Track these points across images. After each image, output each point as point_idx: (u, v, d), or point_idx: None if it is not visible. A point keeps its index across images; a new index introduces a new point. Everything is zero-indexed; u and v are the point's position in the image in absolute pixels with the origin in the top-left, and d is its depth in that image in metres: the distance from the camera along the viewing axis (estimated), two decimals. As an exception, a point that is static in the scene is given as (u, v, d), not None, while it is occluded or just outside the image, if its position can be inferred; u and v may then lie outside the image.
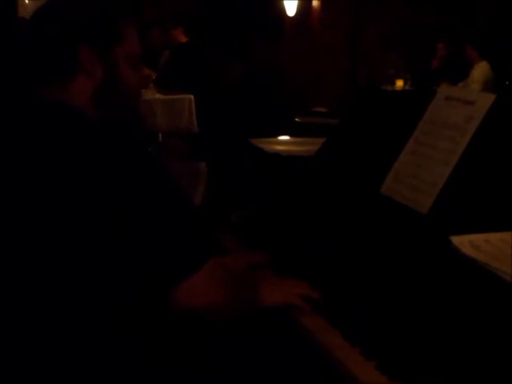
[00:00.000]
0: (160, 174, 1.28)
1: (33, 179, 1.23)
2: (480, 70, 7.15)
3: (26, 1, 6.33)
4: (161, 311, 1.32)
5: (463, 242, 1.27)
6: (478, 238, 1.29)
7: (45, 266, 1.22)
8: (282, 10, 8.94)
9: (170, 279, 1.26)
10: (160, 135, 5.29)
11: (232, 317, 1.42)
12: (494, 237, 1.30)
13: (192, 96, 5.64)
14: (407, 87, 7.53)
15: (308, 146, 2.25)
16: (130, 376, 1.32)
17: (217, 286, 1.33)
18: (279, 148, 2.41)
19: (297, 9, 8.94)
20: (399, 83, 7.67)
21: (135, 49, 1.40)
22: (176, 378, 1.46)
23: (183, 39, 6.46)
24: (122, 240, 1.22)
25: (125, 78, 1.39)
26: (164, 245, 1.25)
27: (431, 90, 1.71)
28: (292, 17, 9.00)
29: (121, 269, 1.24)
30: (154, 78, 5.70)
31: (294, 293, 1.49)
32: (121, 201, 1.22)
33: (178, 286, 1.26)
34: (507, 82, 7.09)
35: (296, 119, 6.50)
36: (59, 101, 1.31)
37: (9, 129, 1.31)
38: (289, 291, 1.50)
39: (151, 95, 5.47)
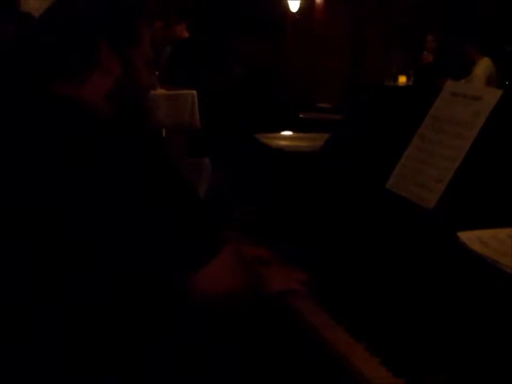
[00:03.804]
0: (171, 167, 1.29)
1: (41, 174, 1.23)
2: (483, 67, 7.14)
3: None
4: (171, 305, 1.32)
5: (470, 238, 1.27)
6: (485, 233, 1.29)
7: (56, 262, 1.22)
8: (285, 7, 8.94)
9: (189, 266, 1.26)
10: (163, 130, 5.29)
11: (245, 303, 1.43)
12: (501, 232, 1.29)
13: (195, 92, 5.63)
14: (410, 83, 7.53)
15: (312, 141, 2.25)
16: (131, 375, 1.32)
17: (234, 271, 1.33)
18: (283, 143, 2.41)
19: (300, 6, 8.93)
20: (402, 79, 7.68)
21: (149, 51, 1.41)
22: (176, 377, 1.47)
23: (186, 34, 6.46)
24: (138, 232, 1.23)
25: (141, 78, 1.40)
26: (181, 234, 1.25)
27: (437, 86, 1.71)
28: (295, 14, 9.00)
29: (137, 262, 1.24)
30: (157, 73, 5.69)
31: (294, 278, 1.57)
32: (135, 196, 1.22)
33: (196, 273, 1.26)
34: (507, 82, 7.09)
35: (300, 115, 6.50)
36: (73, 97, 1.31)
37: (20, 124, 1.30)
38: (290, 276, 1.57)
39: (154, 90, 5.47)
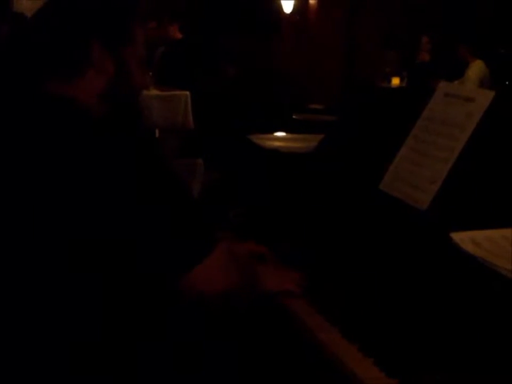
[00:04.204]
0: (164, 167, 1.29)
1: (35, 175, 1.22)
2: (476, 69, 7.17)
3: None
4: (166, 305, 1.32)
5: (463, 239, 1.27)
6: (478, 234, 1.29)
7: (54, 260, 1.22)
8: (279, 8, 8.94)
9: (182, 265, 1.26)
10: (157, 131, 5.28)
11: (239, 302, 1.44)
12: (494, 233, 1.29)
13: (188, 93, 5.63)
14: (403, 85, 7.54)
15: (305, 142, 2.25)
16: (129, 375, 1.32)
17: (227, 270, 1.34)
18: (276, 144, 2.41)
19: (294, 7, 8.94)
20: (395, 81, 7.68)
21: (142, 51, 1.41)
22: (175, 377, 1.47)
23: (179, 35, 6.46)
24: (131, 232, 1.23)
25: (134, 78, 1.40)
26: (174, 234, 1.26)
27: (430, 87, 1.71)
28: (288, 15, 9.00)
29: (131, 261, 1.24)
30: (150, 74, 5.68)
31: (289, 279, 1.57)
32: (129, 195, 1.22)
33: (190, 272, 1.26)
34: (507, 82, 7.11)
35: (293, 116, 6.51)
36: (66, 96, 1.30)
37: (14, 123, 1.30)
38: (284, 276, 1.58)
39: (147, 91, 5.46)
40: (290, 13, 8.97)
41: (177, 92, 5.67)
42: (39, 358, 1.24)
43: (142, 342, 1.33)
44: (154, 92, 5.56)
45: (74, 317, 1.24)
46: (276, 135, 2.81)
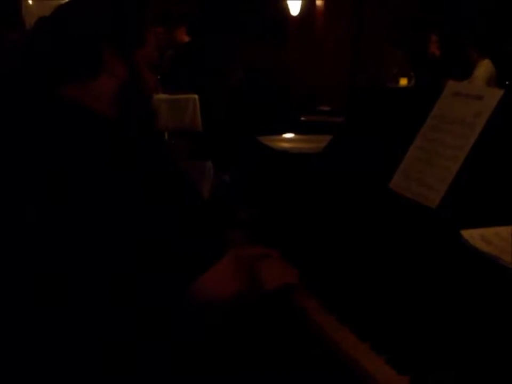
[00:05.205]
0: (173, 170, 1.30)
1: (49, 178, 1.24)
2: (483, 68, 7.15)
3: (30, 2, 6.34)
4: (170, 307, 1.33)
5: (473, 236, 1.28)
6: (488, 231, 1.30)
7: (65, 267, 1.23)
8: (286, 10, 8.95)
9: (194, 270, 1.27)
10: (166, 134, 5.30)
11: (245, 303, 1.44)
12: (504, 230, 1.30)
13: (196, 96, 5.65)
14: (411, 85, 7.53)
15: (314, 143, 2.25)
16: (131, 375, 1.33)
17: (234, 278, 1.35)
18: (285, 145, 2.41)
19: (301, 9, 8.94)
20: (403, 81, 7.67)
21: (153, 54, 1.43)
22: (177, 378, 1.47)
23: (186, 38, 6.48)
24: (141, 236, 1.23)
25: (146, 80, 1.41)
26: (181, 240, 1.26)
27: (439, 86, 1.71)
28: (295, 17, 9.01)
29: (139, 264, 1.25)
30: (159, 77, 5.70)
31: (290, 273, 1.56)
32: (138, 199, 1.23)
33: (197, 279, 1.27)
34: (507, 82, 7.09)
35: (301, 118, 6.51)
36: (78, 101, 1.32)
37: (26, 127, 1.31)
38: (285, 271, 1.56)
39: (157, 94, 5.47)
40: (298, 15, 8.98)
41: (186, 95, 5.69)
42: (40, 358, 1.25)
43: (144, 343, 1.34)
44: (162, 95, 5.58)
45: (79, 316, 1.25)
46: (285, 137, 2.81)
